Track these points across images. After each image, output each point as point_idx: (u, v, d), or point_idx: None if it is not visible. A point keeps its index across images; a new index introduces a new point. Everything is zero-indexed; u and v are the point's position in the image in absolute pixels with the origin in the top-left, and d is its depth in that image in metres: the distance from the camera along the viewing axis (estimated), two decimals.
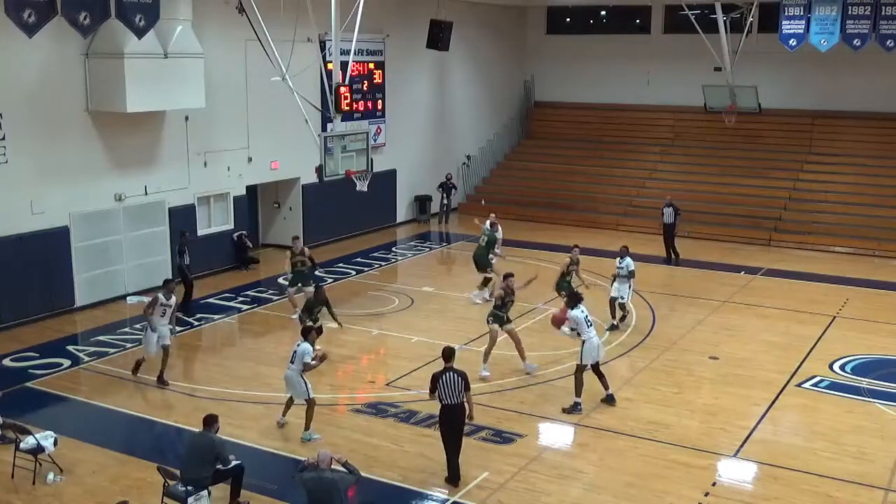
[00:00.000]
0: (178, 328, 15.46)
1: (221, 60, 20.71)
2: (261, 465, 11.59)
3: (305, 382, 12.41)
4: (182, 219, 20.48)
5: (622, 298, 17.59)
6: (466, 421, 11.32)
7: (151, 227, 19.63)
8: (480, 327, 16.13)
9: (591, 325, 13.57)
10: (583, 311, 13.60)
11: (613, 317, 17.64)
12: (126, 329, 17.41)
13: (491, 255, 19.57)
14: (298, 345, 12.48)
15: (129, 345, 16.60)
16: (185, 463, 10.20)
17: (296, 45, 17.15)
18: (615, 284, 17.69)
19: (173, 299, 14.70)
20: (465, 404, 11.12)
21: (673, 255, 23.46)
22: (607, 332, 17.20)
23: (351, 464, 9.44)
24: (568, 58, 32.65)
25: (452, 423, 11.09)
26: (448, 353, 11.40)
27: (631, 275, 17.60)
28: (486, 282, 19.44)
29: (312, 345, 12.63)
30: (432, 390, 11.10)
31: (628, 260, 17.64)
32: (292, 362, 12.43)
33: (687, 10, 26.93)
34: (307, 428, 12.51)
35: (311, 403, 12.52)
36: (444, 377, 11.02)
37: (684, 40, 28.68)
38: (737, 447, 12.39)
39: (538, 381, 14.70)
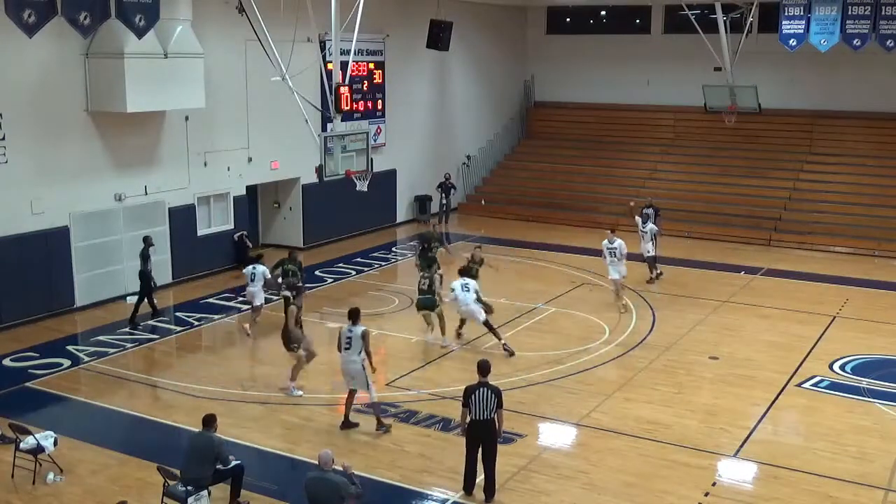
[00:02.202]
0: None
1: (221, 60, 20.71)
2: (261, 465, 11.59)
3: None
4: (182, 219, 20.51)
5: (648, 252, 20.40)
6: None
7: (151, 227, 19.59)
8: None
9: None
10: None
11: (651, 272, 20.76)
12: (126, 329, 17.41)
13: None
14: (255, 267, 16.82)
15: (129, 345, 16.61)
16: (184, 463, 10.19)
17: (296, 45, 17.14)
18: (643, 245, 20.34)
19: (360, 328, 12.82)
20: (496, 420, 10.72)
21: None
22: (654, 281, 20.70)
23: (356, 479, 9.32)
24: (568, 58, 32.62)
25: (482, 438, 10.74)
26: (484, 368, 11.00)
27: (654, 238, 20.38)
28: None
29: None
30: (465, 404, 10.71)
31: (651, 225, 20.58)
32: (253, 280, 16.76)
33: (687, 10, 26.91)
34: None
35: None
36: (477, 392, 10.64)
37: (684, 40, 28.65)
38: (737, 447, 12.38)
39: (538, 381, 14.70)
